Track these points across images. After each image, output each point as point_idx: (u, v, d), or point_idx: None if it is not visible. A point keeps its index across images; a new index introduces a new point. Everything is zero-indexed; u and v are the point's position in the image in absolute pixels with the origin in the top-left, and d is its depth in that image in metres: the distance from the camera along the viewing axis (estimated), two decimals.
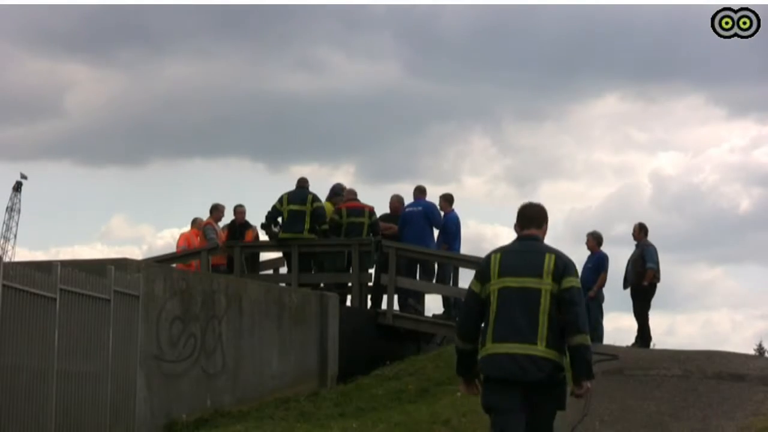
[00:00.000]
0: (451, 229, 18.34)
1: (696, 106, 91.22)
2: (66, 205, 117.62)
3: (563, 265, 7.04)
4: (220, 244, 18.13)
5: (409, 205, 18.35)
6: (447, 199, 18.55)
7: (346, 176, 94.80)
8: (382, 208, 18.76)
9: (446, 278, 18.26)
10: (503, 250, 7.22)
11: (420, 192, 18.47)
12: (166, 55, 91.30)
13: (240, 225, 18.85)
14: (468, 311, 7.25)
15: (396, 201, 18.71)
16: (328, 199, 18.46)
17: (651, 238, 17.83)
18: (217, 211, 18.84)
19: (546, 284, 6.98)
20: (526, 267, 7.05)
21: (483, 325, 7.10)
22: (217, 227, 18.67)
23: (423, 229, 17.99)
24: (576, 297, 7.00)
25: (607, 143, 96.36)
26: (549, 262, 7.04)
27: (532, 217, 7.32)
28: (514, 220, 7.43)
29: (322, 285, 17.84)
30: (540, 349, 6.89)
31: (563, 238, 78.61)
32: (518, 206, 7.38)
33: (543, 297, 6.97)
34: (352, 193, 18.37)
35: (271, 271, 19.18)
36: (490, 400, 7.13)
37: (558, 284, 6.98)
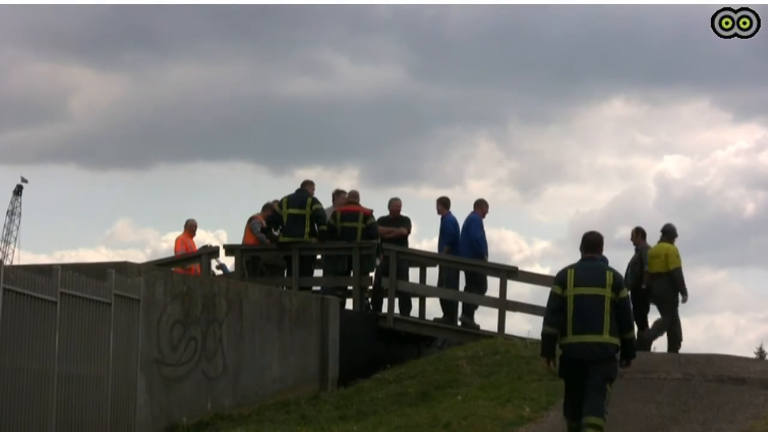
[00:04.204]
0: (450, 230, 18.38)
1: (701, 110, 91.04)
2: (70, 209, 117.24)
3: (619, 280, 10.17)
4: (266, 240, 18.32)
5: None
6: (443, 203, 18.65)
7: (349, 180, 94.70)
8: (384, 212, 18.82)
9: (449, 281, 18.28)
10: (575, 267, 10.21)
11: (475, 205, 18.43)
12: (170, 58, 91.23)
13: None
14: (553, 307, 10.13)
15: (396, 203, 18.75)
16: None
17: (655, 241, 17.86)
18: (269, 209, 18.83)
19: (608, 292, 10.03)
20: (594, 280, 10.08)
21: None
22: (264, 223, 18.67)
23: (463, 243, 18.02)
24: (628, 303, 10.22)
25: (612, 147, 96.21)
26: (609, 277, 10.10)
27: (593, 243, 10.34)
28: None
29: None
30: (606, 337, 9.97)
31: (567, 241, 78.62)
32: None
33: (606, 301, 10.01)
34: (353, 196, 18.38)
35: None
36: (565, 373, 10.13)
37: (616, 294, 10.05)
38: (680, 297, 17.15)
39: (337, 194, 18.88)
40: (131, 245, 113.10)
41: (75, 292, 11.08)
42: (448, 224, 18.43)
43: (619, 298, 10.05)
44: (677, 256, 17.19)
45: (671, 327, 17.23)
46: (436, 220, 18.73)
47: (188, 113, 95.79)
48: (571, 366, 10.06)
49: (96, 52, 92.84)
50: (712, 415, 12.05)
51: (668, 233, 17.50)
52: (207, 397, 13.52)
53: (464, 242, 18.06)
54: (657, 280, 17.18)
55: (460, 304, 18.18)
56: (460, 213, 18.64)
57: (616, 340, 10.01)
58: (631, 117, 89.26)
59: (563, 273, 10.21)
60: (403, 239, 18.51)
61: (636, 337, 10.44)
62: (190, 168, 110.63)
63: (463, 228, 18.16)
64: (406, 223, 18.75)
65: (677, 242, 17.53)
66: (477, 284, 18.01)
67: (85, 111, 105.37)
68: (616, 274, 10.18)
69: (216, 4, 65.45)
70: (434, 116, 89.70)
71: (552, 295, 10.19)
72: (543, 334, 10.21)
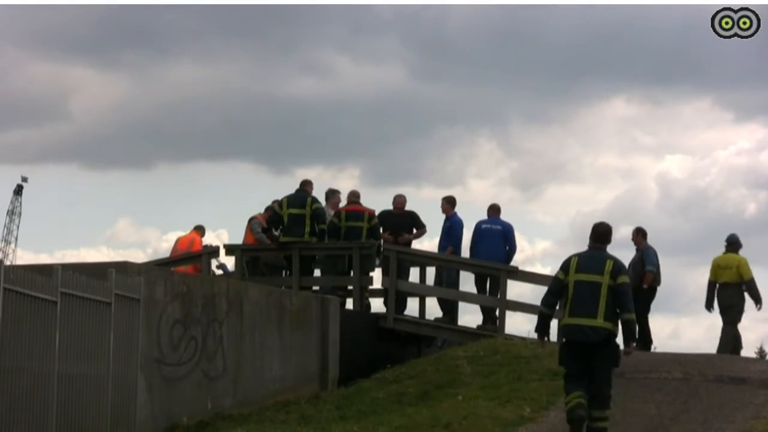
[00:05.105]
0: (457, 232, 18.34)
1: (703, 109, 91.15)
2: (71, 209, 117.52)
3: (618, 267, 10.73)
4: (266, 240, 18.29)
5: (486, 222, 18.18)
6: (450, 202, 18.52)
7: (350, 179, 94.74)
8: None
9: (450, 282, 18.25)
10: (580, 255, 10.86)
11: (495, 210, 18.31)
12: (171, 58, 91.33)
13: None
14: (552, 289, 10.91)
15: (401, 199, 18.69)
16: None
17: (656, 241, 18.03)
18: (271, 210, 18.78)
19: (605, 279, 10.61)
20: (593, 267, 10.68)
21: (560, 303, 10.84)
22: (264, 224, 18.62)
23: (499, 249, 17.91)
24: (626, 289, 10.69)
25: (613, 146, 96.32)
26: (608, 265, 10.67)
27: (601, 234, 10.92)
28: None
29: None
30: (599, 321, 10.53)
31: (568, 241, 78.55)
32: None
33: (603, 288, 10.59)
34: (355, 196, 18.35)
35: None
36: (564, 355, 10.76)
37: (614, 280, 10.60)
38: (755, 306, 17.55)
39: (332, 194, 18.88)
40: (132, 245, 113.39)
41: (75, 292, 11.08)
42: (455, 225, 18.30)
43: (617, 283, 10.61)
44: (749, 267, 17.59)
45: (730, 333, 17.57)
46: (437, 219, 18.70)
47: (189, 113, 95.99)
48: (571, 347, 10.67)
49: (97, 51, 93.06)
50: (712, 415, 12.05)
51: (734, 244, 17.72)
52: (207, 397, 13.52)
53: (500, 249, 17.87)
54: (727, 290, 17.50)
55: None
56: (461, 213, 18.66)
57: (610, 326, 10.57)
58: (632, 117, 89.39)
59: (568, 260, 10.86)
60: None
61: (635, 320, 10.76)
62: (191, 168, 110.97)
63: (498, 235, 17.89)
64: (418, 220, 18.63)
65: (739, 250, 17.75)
66: (495, 287, 17.96)
67: (86, 111, 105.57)
68: (616, 262, 10.76)
69: (217, 3, 65.61)
70: (435, 116, 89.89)
71: (554, 279, 10.98)
72: (538, 312, 11.05)
